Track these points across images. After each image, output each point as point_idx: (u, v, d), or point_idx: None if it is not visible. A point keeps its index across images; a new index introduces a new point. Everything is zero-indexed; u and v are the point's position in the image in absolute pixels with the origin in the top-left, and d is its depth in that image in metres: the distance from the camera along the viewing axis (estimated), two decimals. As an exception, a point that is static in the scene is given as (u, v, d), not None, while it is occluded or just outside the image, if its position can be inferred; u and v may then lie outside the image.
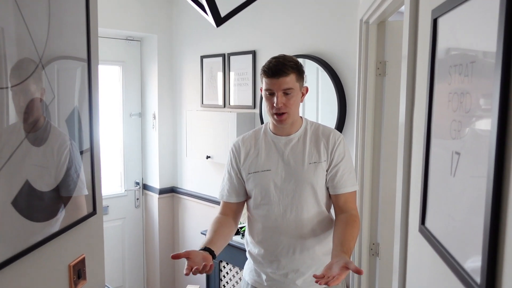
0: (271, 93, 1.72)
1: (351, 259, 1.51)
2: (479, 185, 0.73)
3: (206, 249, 1.59)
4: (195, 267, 1.43)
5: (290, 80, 1.70)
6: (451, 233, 0.88)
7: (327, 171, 1.77)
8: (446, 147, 0.93)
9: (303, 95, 1.80)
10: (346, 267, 1.39)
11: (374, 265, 2.43)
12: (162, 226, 4.01)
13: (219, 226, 1.78)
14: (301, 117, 1.85)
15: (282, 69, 1.69)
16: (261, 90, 1.82)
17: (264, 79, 1.73)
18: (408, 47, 1.30)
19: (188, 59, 3.80)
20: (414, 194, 1.23)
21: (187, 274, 1.42)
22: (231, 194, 1.86)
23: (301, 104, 1.83)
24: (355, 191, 1.82)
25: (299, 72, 1.74)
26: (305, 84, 1.84)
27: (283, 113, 1.72)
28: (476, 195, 0.75)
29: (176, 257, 1.46)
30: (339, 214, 1.79)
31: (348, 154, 1.81)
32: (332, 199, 1.82)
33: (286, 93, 1.70)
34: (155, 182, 3.99)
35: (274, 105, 1.71)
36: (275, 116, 1.74)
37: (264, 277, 1.84)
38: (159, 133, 3.92)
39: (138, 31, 3.76)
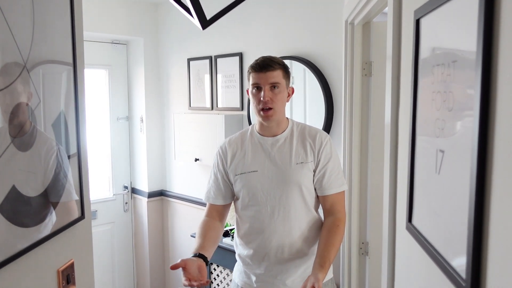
0: (258, 88, 1.74)
1: (329, 263, 1.66)
2: (463, 182, 0.74)
3: (199, 255, 1.63)
4: (195, 283, 1.51)
5: (277, 75, 1.74)
6: (437, 230, 0.89)
7: (314, 172, 1.78)
8: (430, 145, 0.94)
9: (289, 95, 1.82)
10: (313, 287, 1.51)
11: (364, 264, 2.44)
12: (151, 230, 3.99)
13: (208, 230, 1.79)
14: (287, 118, 1.86)
15: (269, 63, 1.74)
16: (247, 93, 1.83)
17: (251, 75, 1.76)
18: (392, 47, 1.32)
19: (175, 62, 3.79)
20: (401, 192, 1.25)
21: (186, 286, 1.51)
22: (217, 196, 1.87)
23: (288, 104, 1.85)
24: (343, 192, 1.83)
25: (286, 70, 1.79)
26: (292, 85, 1.86)
27: (269, 109, 1.74)
28: (460, 192, 0.76)
29: (174, 267, 1.52)
30: (326, 217, 1.81)
31: (335, 154, 1.82)
32: (320, 200, 1.83)
33: (273, 86, 1.73)
34: (143, 185, 3.97)
35: (261, 99, 1.72)
36: (261, 112, 1.76)
37: (253, 278, 1.84)
38: (147, 136, 3.90)
39: (124, 34, 3.75)
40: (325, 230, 1.76)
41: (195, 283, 1.51)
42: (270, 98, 1.73)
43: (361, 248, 2.44)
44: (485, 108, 0.67)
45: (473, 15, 0.70)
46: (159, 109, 3.97)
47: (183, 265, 1.54)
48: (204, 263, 1.61)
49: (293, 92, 1.85)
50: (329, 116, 2.66)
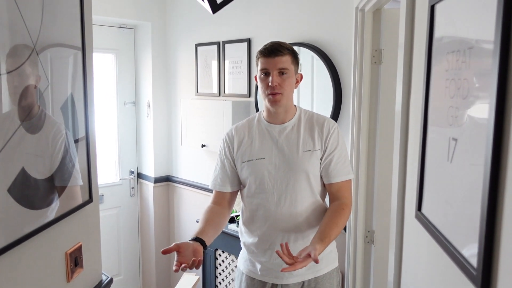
0: (266, 73, 1.73)
1: (328, 244, 1.63)
2: (476, 170, 0.73)
3: (197, 239, 1.59)
4: (184, 265, 1.43)
5: (285, 60, 1.72)
6: (448, 218, 0.89)
7: (321, 159, 1.77)
8: (443, 133, 0.93)
9: (297, 81, 1.80)
10: (309, 255, 1.47)
11: (369, 253, 2.45)
12: (157, 215, 4.02)
13: (211, 216, 1.78)
14: (295, 105, 1.85)
15: (278, 48, 1.72)
16: (255, 79, 1.82)
17: (260, 60, 1.75)
18: (404, 34, 1.30)
19: (183, 47, 3.77)
20: (411, 180, 1.24)
21: (176, 271, 1.42)
22: (223, 183, 1.86)
23: (296, 92, 1.83)
24: (350, 180, 1.82)
25: (294, 56, 1.77)
26: (300, 72, 1.84)
27: (277, 93, 1.72)
28: (473, 180, 0.75)
29: (166, 252, 1.45)
30: (331, 202, 1.80)
31: (343, 143, 1.81)
32: (326, 188, 1.82)
33: (281, 72, 1.72)
34: (150, 171, 3.98)
35: (269, 84, 1.71)
36: (269, 97, 1.74)
37: (258, 266, 1.84)
38: (153, 121, 3.90)
39: (132, 18, 3.73)
40: (329, 211, 1.75)
41: (185, 265, 1.44)
42: (278, 84, 1.71)
43: (366, 237, 2.44)
44: (502, 95, 0.66)
45: (491, 1, 0.69)
46: (166, 94, 3.96)
47: (176, 249, 1.47)
48: (201, 247, 1.55)
49: (301, 78, 1.84)
50: (337, 104, 2.65)
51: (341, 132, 1.83)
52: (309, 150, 1.76)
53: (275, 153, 1.77)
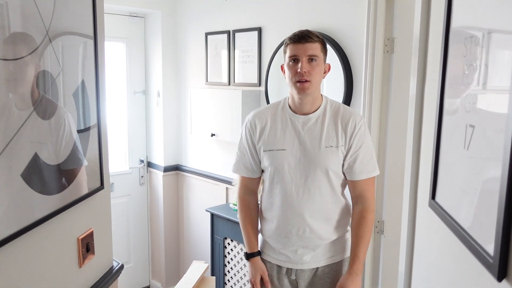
0: (295, 59, 1.69)
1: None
2: (495, 157, 0.72)
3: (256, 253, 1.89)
4: None
5: (316, 47, 1.68)
6: (464, 206, 0.88)
7: (345, 157, 1.74)
8: (459, 120, 0.92)
9: (325, 72, 1.77)
10: None
11: (379, 243, 2.44)
12: (166, 203, 4.03)
13: (252, 219, 1.90)
14: (321, 95, 1.82)
15: (308, 35, 1.69)
16: (282, 69, 1.79)
17: (289, 47, 1.71)
18: (420, 20, 1.28)
19: (193, 36, 3.76)
20: (424, 169, 1.23)
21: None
22: (254, 169, 1.85)
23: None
24: (374, 177, 1.78)
25: (324, 45, 1.73)
26: (328, 63, 1.81)
27: (306, 81, 1.68)
28: (491, 167, 0.74)
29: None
30: (354, 203, 1.79)
31: (369, 139, 1.76)
32: (349, 184, 1.79)
33: (311, 59, 1.68)
34: (159, 159, 4.00)
35: (298, 70, 1.67)
36: (297, 84, 1.69)
37: (274, 250, 1.85)
38: (163, 110, 3.90)
39: (142, 7, 3.72)
40: (353, 222, 1.78)
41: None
42: (307, 71, 1.67)
43: (376, 227, 2.43)
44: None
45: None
46: (176, 83, 3.96)
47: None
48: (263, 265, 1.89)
49: (329, 69, 1.79)
50: (348, 93, 2.62)
51: (367, 128, 1.78)
52: (331, 146, 1.72)
53: (297, 145, 1.74)
